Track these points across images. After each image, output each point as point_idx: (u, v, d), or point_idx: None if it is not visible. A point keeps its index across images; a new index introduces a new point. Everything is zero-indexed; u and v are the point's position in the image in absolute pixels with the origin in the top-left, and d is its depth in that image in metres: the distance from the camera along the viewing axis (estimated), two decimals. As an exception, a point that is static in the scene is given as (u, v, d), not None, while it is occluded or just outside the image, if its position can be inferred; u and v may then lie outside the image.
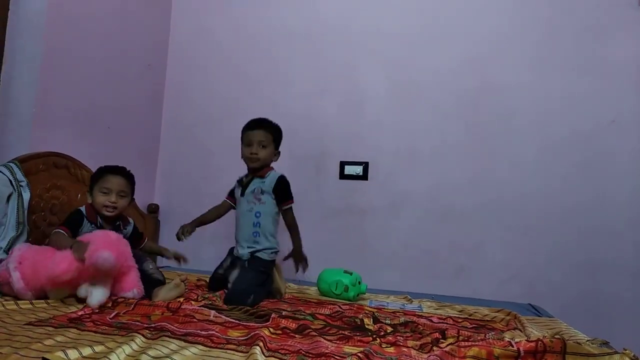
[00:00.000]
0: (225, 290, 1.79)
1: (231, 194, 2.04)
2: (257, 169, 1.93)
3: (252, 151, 1.90)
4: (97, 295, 1.47)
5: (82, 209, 1.73)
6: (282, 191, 1.93)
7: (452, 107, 2.42)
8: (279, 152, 1.99)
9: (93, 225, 1.71)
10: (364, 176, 2.49)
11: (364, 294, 1.98)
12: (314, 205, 2.53)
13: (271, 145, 1.93)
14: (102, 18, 2.26)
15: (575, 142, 2.27)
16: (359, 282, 1.97)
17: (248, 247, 1.88)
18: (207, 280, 2.02)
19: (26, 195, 1.73)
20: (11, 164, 1.72)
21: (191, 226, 1.95)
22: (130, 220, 1.87)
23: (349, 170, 2.51)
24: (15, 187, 1.69)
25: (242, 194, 1.93)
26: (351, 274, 1.97)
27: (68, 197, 1.98)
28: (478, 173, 2.37)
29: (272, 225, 1.92)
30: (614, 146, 2.23)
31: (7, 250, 1.67)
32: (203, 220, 2.02)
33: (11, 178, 1.68)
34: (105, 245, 1.50)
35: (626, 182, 2.20)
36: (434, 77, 2.45)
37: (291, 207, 1.97)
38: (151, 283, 1.69)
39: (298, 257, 1.95)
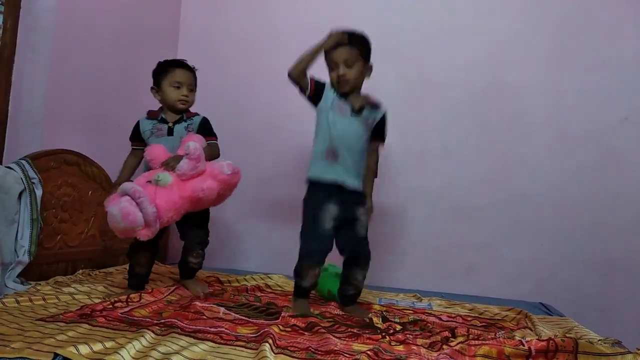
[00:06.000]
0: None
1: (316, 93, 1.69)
2: (349, 93, 1.66)
3: (340, 73, 1.62)
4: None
5: (142, 117, 1.82)
6: (382, 128, 1.72)
7: (464, 105, 2.39)
8: (371, 66, 1.70)
9: (154, 121, 1.79)
10: (374, 173, 2.47)
11: None
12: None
13: (359, 62, 1.63)
14: (111, 15, 2.26)
15: (587, 139, 2.24)
16: None
17: (357, 178, 1.65)
18: (217, 278, 2.02)
19: (39, 192, 1.75)
20: (22, 161, 1.74)
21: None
22: (199, 114, 1.88)
23: (358, 167, 2.49)
24: (27, 184, 1.71)
25: (354, 111, 1.64)
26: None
27: (79, 194, 1.99)
28: (489, 171, 2.35)
29: None
30: (627, 143, 2.20)
31: (33, 251, 1.70)
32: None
33: (22, 175, 1.70)
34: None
35: (639, 179, 2.17)
36: (446, 75, 2.42)
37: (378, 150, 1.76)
38: (186, 271, 1.84)
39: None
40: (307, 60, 1.66)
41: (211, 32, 2.79)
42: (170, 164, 1.62)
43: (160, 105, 1.82)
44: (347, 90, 1.64)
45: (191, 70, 1.82)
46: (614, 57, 2.25)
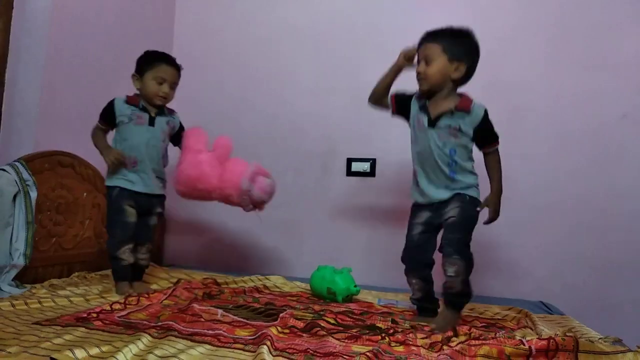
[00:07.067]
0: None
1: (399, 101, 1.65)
2: (430, 91, 1.55)
3: (417, 70, 1.55)
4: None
5: (118, 98, 1.76)
6: (485, 129, 1.53)
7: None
8: (463, 61, 1.51)
9: (134, 108, 1.75)
10: (372, 173, 2.47)
11: (356, 294, 1.86)
12: (321, 202, 2.52)
13: (441, 58, 1.50)
14: (106, 17, 2.25)
15: (586, 137, 2.24)
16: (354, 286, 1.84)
17: (444, 189, 1.54)
18: (215, 280, 2.01)
19: (33, 194, 1.74)
20: (16, 163, 1.72)
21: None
22: (176, 112, 1.91)
23: (356, 167, 2.49)
24: (21, 187, 1.69)
25: (430, 122, 1.53)
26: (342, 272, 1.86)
27: (74, 195, 1.98)
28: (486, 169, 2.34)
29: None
30: (626, 141, 2.20)
31: (28, 254, 1.68)
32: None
33: (16, 177, 1.68)
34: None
35: (639, 177, 2.17)
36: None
37: (497, 149, 1.57)
38: (136, 269, 1.81)
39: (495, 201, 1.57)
40: (381, 84, 1.69)
41: (205, 38, 2.78)
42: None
43: (137, 92, 1.81)
44: (426, 89, 1.54)
45: (177, 68, 1.82)
46: (611, 55, 2.24)
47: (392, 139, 2.47)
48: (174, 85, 1.81)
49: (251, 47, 2.69)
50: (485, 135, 1.54)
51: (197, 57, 2.78)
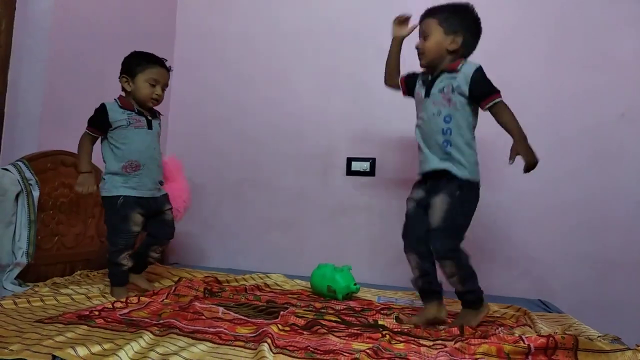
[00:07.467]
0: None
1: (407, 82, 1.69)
2: (429, 65, 1.57)
3: (416, 45, 1.58)
4: None
5: (109, 103, 1.71)
6: (479, 84, 1.49)
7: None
8: (460, 32, 1.53)
9: (130, 112, 1.72)
10: (371, 172, 2.48)
11: (356, 292, 1.88)
12: (321, 201, 2.53)
13: (437, 31, 1.53)
14: (107, 18, 2.26)
15: (586, 137, 2.24)
16: (354, 284, 1.85)
17: (442, 159, 1.51)
18: (216, 278, 2.02)
19: (36, 194, 1.75)
20: (19, 163, 1.73)
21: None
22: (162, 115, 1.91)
23: (355, 166, 2.50)
24: (24, 186, 1.70)
25: (426, 93, 1.56)
26: (342, 270, 1.87)
27: (76, 195, 1.98)
28: (486, 168, 2.34)
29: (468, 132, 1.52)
30: (626, 141, 2.20)
31: (31, 253, 1.69)
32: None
33: (19, 177, 1.69)
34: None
35: (637, 176, 2.18)
36: (442, 73, 2.42)
37: (501, 101, 1.49)
38: (140, 266, 1.83)
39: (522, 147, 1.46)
40: (388, 62, 1.74)
41: (205, 40, 2.78)
42: None
43: (122, 93, 1.77)
44: (425, 63, 1.57)
45: (168, 70, 1.81)
46: (610, 54, 2.24)
47: (392, 139, 2.48)
48: (165, 87, 1.79)
49: (251, 49, 2.70)
50: (482, 91, 1.48)
51: (198, 59, 2.78)
